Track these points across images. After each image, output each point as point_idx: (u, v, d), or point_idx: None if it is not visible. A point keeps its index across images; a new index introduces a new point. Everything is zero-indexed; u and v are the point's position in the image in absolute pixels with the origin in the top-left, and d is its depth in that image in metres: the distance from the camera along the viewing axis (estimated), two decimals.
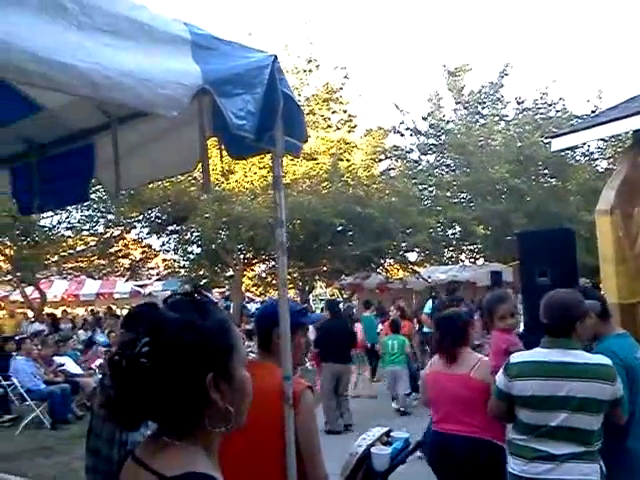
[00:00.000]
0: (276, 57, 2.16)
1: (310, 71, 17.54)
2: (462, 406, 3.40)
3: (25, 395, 9.91)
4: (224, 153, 2.48)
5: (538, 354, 2.98)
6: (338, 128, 18.30)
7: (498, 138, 20.24)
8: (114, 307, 23.28)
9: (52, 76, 1.39)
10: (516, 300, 4.07)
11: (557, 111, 21.12)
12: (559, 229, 10.36)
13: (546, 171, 20.65)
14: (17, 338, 13.07)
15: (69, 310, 24.49)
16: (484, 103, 22.30)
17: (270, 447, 2.25)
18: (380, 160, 21.48)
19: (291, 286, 20.93)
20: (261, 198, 15.06)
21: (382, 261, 18.88)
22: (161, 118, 2.43)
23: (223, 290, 22.92)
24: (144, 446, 1.21)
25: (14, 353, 11.12)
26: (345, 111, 18.38)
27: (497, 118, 21.63)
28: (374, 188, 17.25)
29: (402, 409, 9.64)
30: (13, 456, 7.97)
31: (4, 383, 10.58)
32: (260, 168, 15.54)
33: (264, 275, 20.83)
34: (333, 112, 18.25)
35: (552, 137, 6.69)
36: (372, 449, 3.04)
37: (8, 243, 18.48)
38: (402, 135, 22.14)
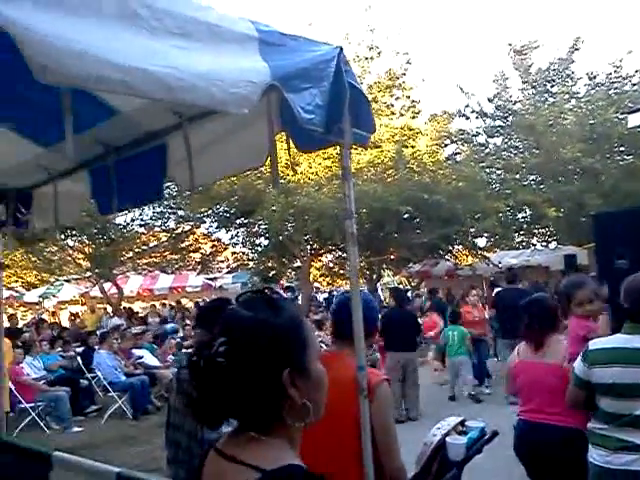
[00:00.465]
0: (341, 49, 2.16)
1: (372, 58, 17.41)
2: (554, 396, 3.33)
3: (108, 387, 10.39)
4: (292, 146, 2.50)
5: (618, 340, 2.88)
6: (402, 114, 18.09)
7: (569, 117, 19.46)
8: (186, 300, 24.00)
9: (131, 83, 1.44)
10: (596, 285, 3.93)
11: (633, 84, 20.10)
12: (637, 209, 9.90)
13: (622, 148, 19.71)
14: (99, 332, 13.70)
15: (144, 304, 25.43)
16: (553, 81, 21.47)
17: (346, 438, 2.27)
18: (446, 145, 21.12)
19: (360, 274, 20.94)
20: (326, 189, 15.11)
21: (450, 248, 18.58)
22: (230, 116, 2.48)
23: (282, 282, 23.19)
24: (228, 440, 1.23)
25: (96, 347, 11.65)
26: (408, 97, 18.15)
27: (567, 96, 20.78)
28: (440, 174, 16.97)
29: (472, 393, 9.61)
30: (100, 444, 8.37)
31: (88, 375, 11.13)
32: (324, 159, 15.57)
33: (331, 265, 20.91)
34: (396, 98, 18.06)
35: (628, 113, 6.39)
36: (447, 438, 3.01)
37: (87, 242, 19.33)
38: (468, 118, 21.67)
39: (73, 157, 1.73)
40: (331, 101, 2.06)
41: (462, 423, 3.16)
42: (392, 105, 18.09)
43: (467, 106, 21.39)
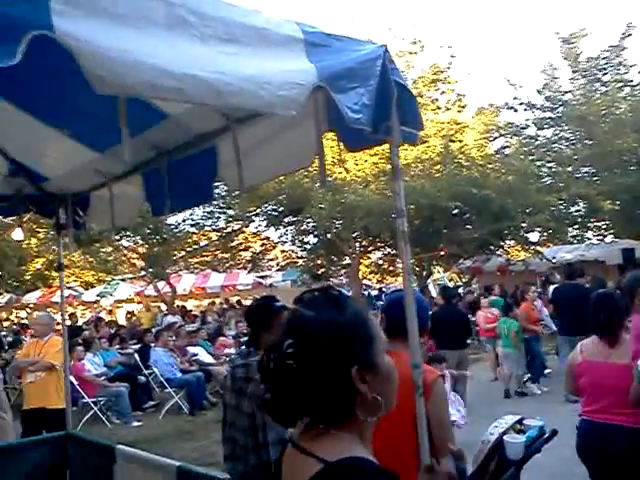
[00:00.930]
0: (387, 47, 2.16)
1: (415, 53, 17.24)
2: (624, 396, 3.25)
3: (165, 383, 10.65)
4: (339, 145, 2.52)
5: None
6: (447, 109, 17.87)
7: (623, 106, 18.77)
8: (234, 299, 24.31)
9: (183, 89, 1.48)
10: None
11: None
12: None
13: None
14: (154, 330, 14.06)
15: (197, 303, 25.92)
16: (604, 69, 20.70)
17: (405, 435, 2.27)
18: (494, 138, 20.72)
19: None
20: (373, 185, 15.07)
21: (502, 243, 18.24)
22: (277, 117, 2.52)
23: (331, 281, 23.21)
24: (302, 433, 1.26)
25: (152, 344, 11.97)
26: (453, 90, 17.90)
27: (620, 84, 20.03)
28: (489, 168, 16.67)
29: (519, 390, 9.45)
30: (159, 439, 8.60)
31: (145, 372, 11.44)
32: (371, 155, 15.53)
33: (380, 262, 20.83)
34: (442, 93, 17.84)
35: None
36: (505, 437, 2.97)
37: (140, 242, 19.84)
38: (516, 111, 21.16)
39: (130, 161, 1.79)
40: (378, 100, 2.07)
41: (520, 421, 3.12)
42: (437, 99, 17.88)
43: (515, 98, 20.89)
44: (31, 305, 27.56)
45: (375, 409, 1.20)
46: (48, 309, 27.15)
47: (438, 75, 17.48)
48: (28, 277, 23.72)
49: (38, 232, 16.64)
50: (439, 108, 17.79)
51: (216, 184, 3.21)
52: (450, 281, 27.24)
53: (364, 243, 18.24)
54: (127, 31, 1.44)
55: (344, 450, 1.15)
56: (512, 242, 18.73)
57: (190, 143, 2.98)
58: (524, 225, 17.05)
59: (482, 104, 20.81)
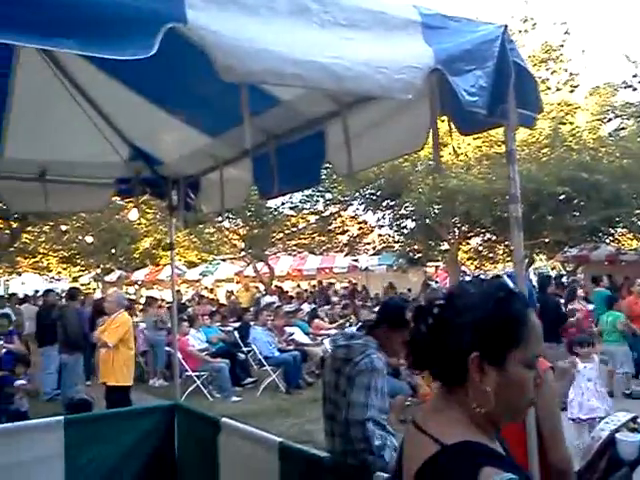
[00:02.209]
0: (506, 27, 2.09)
1: (526, 31, 16.49)
2: None
3: (263, 361, 10.98)
4: (451, 129, 2.46)
5: None
6: (558, 89, 16.99)
7: None
8: (333, 281, 24.58)
9: (304, 76, 1.51)
10: None
11: None
12: None
13: None
14: (252, 309, 14.51)
15: (294, 284, 26.45)
16: None
17: (512, 428, 2.22)
18: (609, 120, 19.46)
19: (509, 259, 20.15)
20: (476, 169, 14.65)
21: (612, 231, 17.22)
22: (388, 101, 2.50)
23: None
24: (422, 412, 1.32)
25: (252, 323, 12.36)
26: (566, 70, 16.99)
27: None
28: (602, 151, 15.71)
29: (627, 391, 8.84)
30: (256, 414, 8.87)
31: (244, 349, 11.85)
32: (474, 139, 15.09)
33: (480, 249, 20.29)
34: (552, 72, 16.98)
35: None
36: (617, 435, 2.83)
37: (242, 224, 20.47)
38: (635, 90, 19.75)
39: (250, 146, 1.85)
40: (495, 82, 2.01)
41: (634, 419, 2.96)
42: (547, 79, 17.03)
43: (635, 76, 19.48)
44: (139, 282, 29.28)
45: (484, 402, 1.19)
46: (155, 286, 28.80)
47: (550, 54, 16.65)
48: (137, 255, 25.14)
49: (147, 213, 17.55)
50: (549, 89, 16.94)
51: None
52: (552, 270, 26.10)
53: (464, 228, 17.82)
54: (253, 21, 1.48)
55: (459, 433, 1.16)
56: (624, 230, 17.62)
57: (300, 127, 3.03)
58: (639, 212, 15.97)
59: (597, 83, 19.64)
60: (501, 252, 19.53)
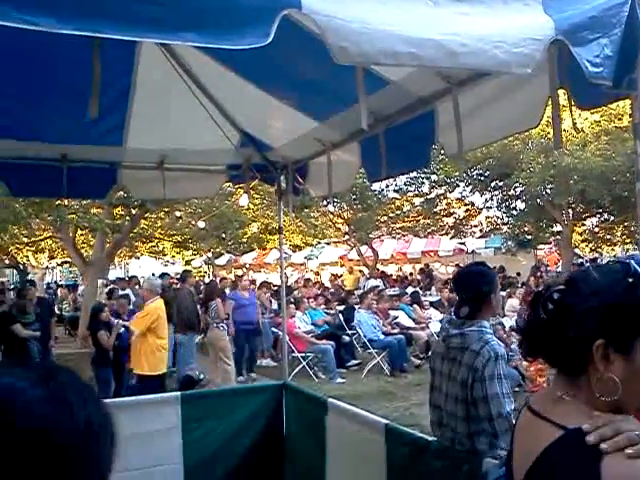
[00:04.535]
0: None
1: None
2: None
3: (367, 344, 11.05)
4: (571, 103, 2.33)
5: None
6: None
7: None
8: (438, 264, 24.19)
9: (418, 54, 1.48)
10: None
11: None
12: None
13: None
14: (356, 293, 14.59)
15: (398, 267, 26.30)
16: None
17: None
18: None
19: (628, 241, 18.91)
20: (593, 146, 13.80)
21: None
22: (501, 77, 2.40)
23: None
24: (539, 399, 1.28)
25: (356, 306, 12.45)
26: None
27: None
28: None
29: None
30: (361, 396, 8.96)
31: (349, 332, 11.97)
32: (592, 113, 14.22)
33: (596, 230, 19.19)
34: None
35: None
36: None
37: (346, 207, 20.58)
38: None
39: (367, 128, 1.86)
40: (623, 50, 1.86)
41: None
42: None
43: None
44: (247, 265, 30.29)
45: (610, 391, 1.14)
46: (262, 269, 29.67)
47: None
48: (245, 240, 25.97)
49: (255, 198, 18.06)
50: None
51: None
52: None
53: (578, 209, 16.90)
54: (365, 1, 1.47)
55: (580, 419, 1.12)
56: None
57: (408, 108, 2.99)
58: None
59: None
60: (619, 234, 18.35)
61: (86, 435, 0.68)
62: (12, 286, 20.72)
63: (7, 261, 21.61)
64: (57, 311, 16.62)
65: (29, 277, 22.53)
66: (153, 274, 23.56)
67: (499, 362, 2.73)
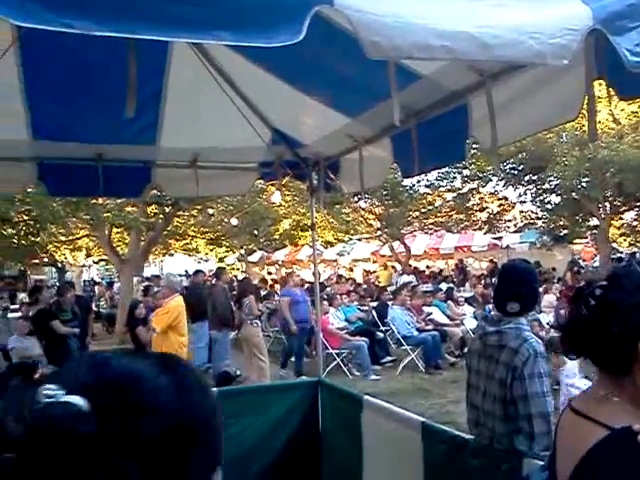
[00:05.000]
0: None
1: None
2: None
3: (402, 340, 10.99)
4: (609, 94, 2.28)
5: None
6: None
7: None
8: (472, 260, 23.94)
9: (451, 47, 1.46)
10: None
11: None
12: None
13: None
14: (389, 289, 14.53)
15: (431, 263, 26.11)
16: None
17: None
18: None
19: None
20: (630, 137, 13.47)
21: None
22: (536, 69, 2.36)
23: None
24: (582, 399, 1.27)
25: (390, 302, 12.39)
26: None
27: None
28: None
29: None
30: (395, 393, 8.91)
31: (382, 328, 11.92)
32: (628, 104, 13.88)
33: (634, 224, 18.74)
34: None
35: None
36: None
37: (377, 203, 20.51)
38: None
39: (398, 124, 1.84)
40: None
41: None
42: None
43: None
44: (279, 262, 30.43)
45: None
46: (294, 266, 29.78)
47: None
48: (277, 236, 26.09)
49: (287, 195, 18.12)
50: None
51: None
52: None
53: (616, 202, 16.53)
54: None
55: (625, 419, 1.11)
56: None
57: (441, 102, 2.96)
58: None
59: None
60: None
61: (207, 422, 0.71)
62: (50, 284, 21.21)
63: (46, 259, 22.10)
64: (94, 308, 16.95)
65: (67, 275, 23.04)
66: (186, 271, 23.86)
67: (539, 360, 2.68)
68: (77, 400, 0.61)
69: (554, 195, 17.81)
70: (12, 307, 15.30)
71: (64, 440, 0.59)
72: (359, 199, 19.46)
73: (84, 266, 27.78)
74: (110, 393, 0.64)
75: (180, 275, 20.70)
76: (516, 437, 2.73)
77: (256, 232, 23.77)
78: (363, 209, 21.66)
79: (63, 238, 19.94)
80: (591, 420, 1.16)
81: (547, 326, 9.88)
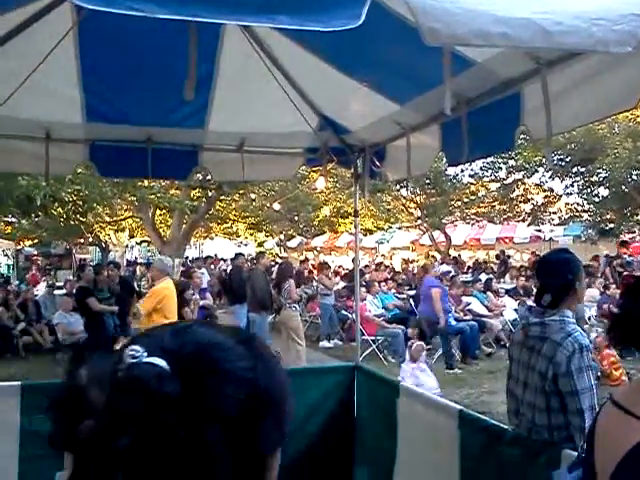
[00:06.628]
0: None
1: None
2: None
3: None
4: None
5: None
6: None
7: None
8: (513, 252, 23.55)
9: (510, 34, 1.43)
10: None
11: None
12: None
13: None
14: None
15: (471, 254, 25.79)
16: None
17: None
18: None
19: None
20: None
21: None
22: (595, 55, 2.29)
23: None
24: (625, 394, 1.24)
25: None
26: None
27: None
28: None
29: None
30: None
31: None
32: None
33: None
34: None
35: None
36: None
37: (419, 192, 20.35)
38: None
39: (449, 112, 1.81)
40: None
41: None
42: None
43: None
44: (318, 248, 30.51)
45: None
46: (332, 252, 29.82)
47: None
48: (317, 223, 26.14)
49: (328, 181, 18.14)
50: None
51: None
52: None
53: None
54: None
55: None
56: None
57: (493, 90, 2.91)
58: None
59: None
60: None
61: (279, 396, 0.74)
62: (94, 263, 21.75)
63: (91, 239, 22.67)
64: (136, 287, 17.34)
65: (110, 255, 23.58)
66: (224, 258, 24.12)
67: (584, 354, 2.64)
68: (160, 362, 0.63)
69: (602, 187, 17.34)
70: (57, 284, 15.78)
71: (150, 399, 0.61)
72: (401, 187, 19.36)
73: (127, 246, 28.41)
74: (193, 358, 0.67)
75: (223, 260, 21.00)
76: (557, 431, 2.70)
77: (296, 218, 23.85)
78: (404, 197, 21.52)
79: (108, 219, 20.41)
80: (635, 416, 1.14)
81: (589, 320, 9.68)
